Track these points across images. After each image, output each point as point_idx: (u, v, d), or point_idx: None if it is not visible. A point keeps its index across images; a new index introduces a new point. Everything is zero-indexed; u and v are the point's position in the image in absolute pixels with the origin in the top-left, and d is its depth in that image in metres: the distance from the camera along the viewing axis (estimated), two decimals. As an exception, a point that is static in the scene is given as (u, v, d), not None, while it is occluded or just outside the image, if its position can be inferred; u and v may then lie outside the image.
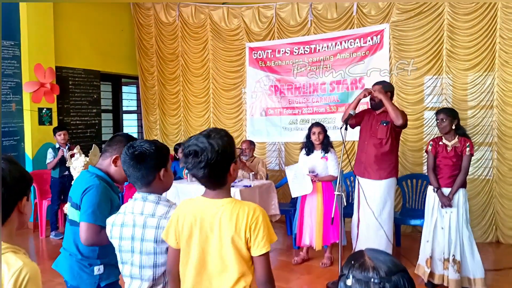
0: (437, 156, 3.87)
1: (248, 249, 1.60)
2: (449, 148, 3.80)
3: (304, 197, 4.60)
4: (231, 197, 1.67)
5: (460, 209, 3.75)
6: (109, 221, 1.88)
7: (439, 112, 3.89)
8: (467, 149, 3.72)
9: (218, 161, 1.57)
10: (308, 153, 4.60)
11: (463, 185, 3.80)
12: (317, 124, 4.60)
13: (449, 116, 3.77)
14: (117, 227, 1.83)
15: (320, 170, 4.51)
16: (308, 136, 4.58)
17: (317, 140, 4.49)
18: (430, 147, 3.93)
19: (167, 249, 1.76)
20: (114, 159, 2.18)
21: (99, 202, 2.09)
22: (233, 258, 1.60)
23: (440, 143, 3.87)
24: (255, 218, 1.58)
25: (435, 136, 4.16)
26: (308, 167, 4.56)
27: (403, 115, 4.04)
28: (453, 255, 3.72)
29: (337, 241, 4.37)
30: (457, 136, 3.80)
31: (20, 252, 1.25)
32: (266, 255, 1.60)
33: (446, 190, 3.82)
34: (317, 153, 4.55)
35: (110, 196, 2.14)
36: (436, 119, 3.89)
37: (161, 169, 1.83)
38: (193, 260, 1.65)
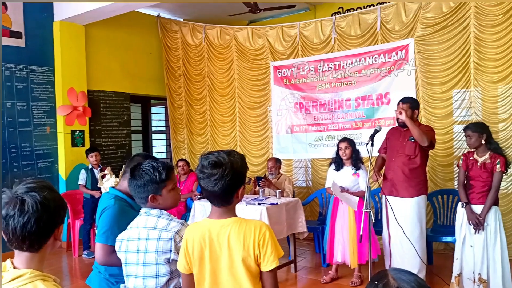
0: (468, 171, 3.78)
1: (258, 265, 1.64)
2: (479, 164, 3.70)
3: (334, 213, 4.56)
4: (236, 216, 1.72)
5: (489, 226, 3.62)
6: (118, 237, 1.99)
7: (465, 128, 3.79)
8: (497, 166, 3.59)
9: (231, 179, 1.63)
10: (337, 169, 4.57)
11: (495, 202, 3.66)
12: (344, 139, 4.60)
13: (476, 132, 3.66)
14: (124, 241, 1.94)
15: (350, 186, 4.46)
16: (337, 152, 4.58)
17: (345, 155, 4.47)
18: (461, 162, 3.85)
19: (167, 260, 1.85)
20: None
21: (112, 223, 2.16)
22: (244, 276, 1.63)
23: (471, 158, 3.77)
24: (262, 235, 1.63)
25: (467, 151, 4.06)
26: (337, 182, 4.53)
27: (429, 136, 3.96)
28: (479, 274, 3.60)
29: (374, 258, 4.30)
30: (488, 152, 3.68)
31: (49, 279, 1.26)
32: (275, 270, 1.65)
33: (475, 207, 3.71)
34: (348, 169, 4.52)
35: (129, 216, 2.18)
36: (465, 136, 3.80)
37: (150, 195, 1.93)
38: (207, 281, 1.69)
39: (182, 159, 6.59)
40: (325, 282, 4.50)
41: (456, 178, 5.36)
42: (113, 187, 2.37)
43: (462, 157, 3.89)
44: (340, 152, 4.51)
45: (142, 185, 1.93)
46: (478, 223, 3.64)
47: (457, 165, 3.97)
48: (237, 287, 1.65)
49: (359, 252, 4.33)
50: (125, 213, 2.21)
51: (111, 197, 2.27)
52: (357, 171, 4.46)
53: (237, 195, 1.70)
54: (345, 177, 4.51)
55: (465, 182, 3.83)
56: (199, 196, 5.72)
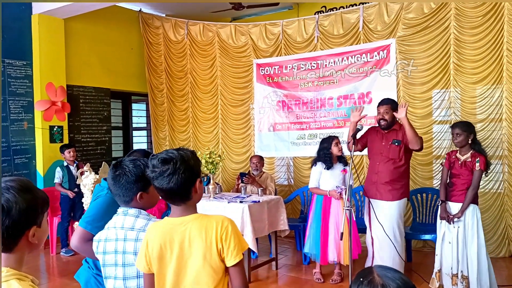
0: (451, 169, 3.85)
1: (222, 260, 1.61)
2: (460, 162, 3.78)
3: (326, 212, 4.42)
4: (197, 213, 1.69)
5: (467, 224, 3.71)
6: (96, 237, 1.92)
7: (454, 126, 3.85)
8: (477, 164, 3.68)
9: (185, 171, 1.60)
10: (329, 167, 4.44)
11: (474, 200, 3.74)
12: (334, 136, 4.55)
13: (465, 131, 3.73)
14: (101, 242, 1.88)
15: (340, 183, 4.44)
16: (327, 148, 4.42)
17: (340, 152, 4.43)
18: (444, 161, 3.93)
19: None
20: None
21: (98, 212, 2.13)
22: (206, 272, 1.60)
23: (454, 156, 3.85)
24: (224, 229, 1.60)
25: (451, 150, 4.13)
26: (326, 181, 4.45)
27: (422, 140, 4.00)
28: (461, 271, 3.69)
29: (356, 257, 4.29)
30: (471, 151, 3.75)
31: (26, 279, 1.22)
32: (240, 264, 1.62)
33: (454, 205, 3.79)
34: (337, 166, 4.46)
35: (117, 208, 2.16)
36: (452, 133, 3.85)
37: (139, 192, 1.86)
38: (169, 281, 1.66)
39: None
40: (321, 281, 4.45)
41: (435, 177, 5.48)
42: (105, 179, 2.31)
43: (445, 156, 3.96)
44: (336, 149, 4.38)
45: (133, 182, 1.84)
46: (448, 219, 3.76)
47: (441, 164, 4.04)
48: (198, 284, 1.62)
49: (352, 248, 4.32)
50: (116, 205, 2.16)
51: (103, 188, 2.23)
52: (345, 167, 4.45)
53: (195, 189, 1.66)
54: (336, 174, 4.44)
55: (448, 181, 3.89)
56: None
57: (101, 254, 1.88)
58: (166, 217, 1.71)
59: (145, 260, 1.69)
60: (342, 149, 4.47)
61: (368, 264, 4.32)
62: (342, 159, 4.49)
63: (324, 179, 4.47)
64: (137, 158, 1.92)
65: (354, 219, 4.26)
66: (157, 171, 1.59)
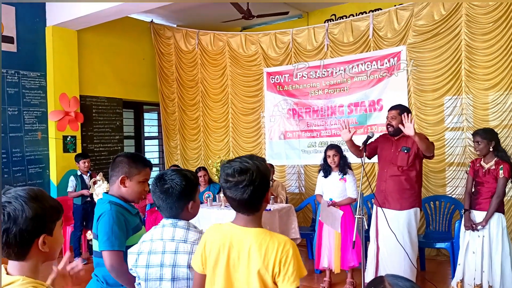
0: (475, 177, 3.79)
1: (275, 283, 1.54)
2: (484, 170, 3.72)
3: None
4: (262, 227, 1.63)
5: (492, 233, 3.63)
6: (134, 250, 1.86)
7: (474, 134, 3.80)
8: (501, 171, 3.61)
9: (259, 183, 1.56)
10: (326, 175, 4.56)
11: (499, 209, 3.66)
12: (331, 146, 4.56)
13: (485, 139, 3.68)
14: (144, 255, 1.82)
15: (339, 192, 4.46)
16: (324, 159, 4.56)
17: (333, 163, 4.46)
18: (468, 169, 3.89)
19: None
20: (121, 180, 2.17)
21: (112, 228, 2.08)
22: None
23: (478, 164, 3.80)
24: (285, 252, 1.52)
25: (475, 158, 4.08)
26: (326, 189, 4.54)
27: (433, 146, 3.88)
28: (488, 281, 3.60)
29: (356, 266, 4.28)
30: (495, 159, 3.69)
31: (42, 287, 1.24)
32: None
33: (478, 213, 3.72)
34: (335, 174, 4.51)
35: (125, 219, 2.12)
36: (473, 141, 3.81)
37: (190, 202, 1.85)
38: (218, 286, 1.61)
39: (174, 165, 6.58)
40: None
41: (448, 184, 5.43)
42: (106, 192, 2.31)
43: (470, 164, 3.92)
44: (329, 160, 4.48)
45: (185, 192, 1.82)
46: (472, 228, 3.69)
47: (466, 172, 4.00)
48: None
49: (343, 258, 4.33)
50: (123, 216, 2.13)
51: (105, 202, 2.18)
52: (344, 176, 4.46)
53: (266, 199, 1.62)
54: (333, 183, 4.50)
55: (473, 189, 3.82)
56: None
57: (143, 267, 1.80)
58: (229, 222, 1.67)
59: (201, 260, 1.65)
60: (334, 161, 4.45)
61: (367, 275, 4.22)
62: (342, 168, 4.47)
63: (325, 187, 4.58)
64: (177, 169, 1.92)
65: (366, 227, 4.20)
66: (232, 181, 1.55)
